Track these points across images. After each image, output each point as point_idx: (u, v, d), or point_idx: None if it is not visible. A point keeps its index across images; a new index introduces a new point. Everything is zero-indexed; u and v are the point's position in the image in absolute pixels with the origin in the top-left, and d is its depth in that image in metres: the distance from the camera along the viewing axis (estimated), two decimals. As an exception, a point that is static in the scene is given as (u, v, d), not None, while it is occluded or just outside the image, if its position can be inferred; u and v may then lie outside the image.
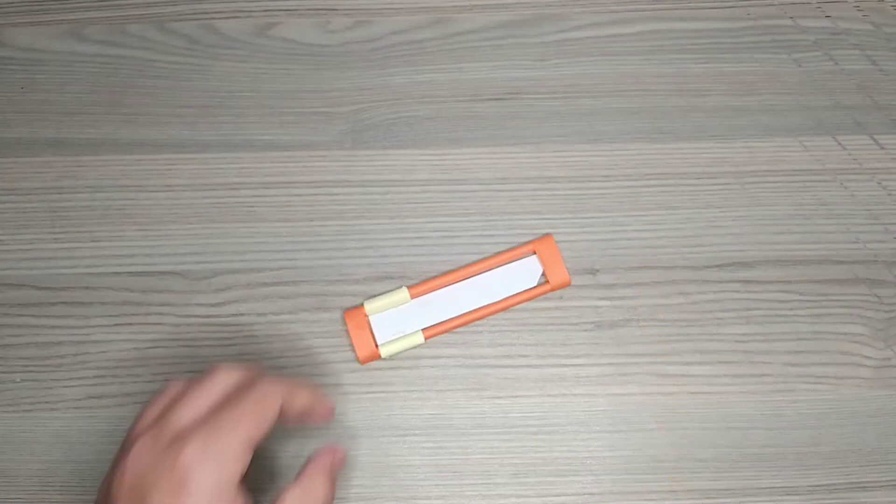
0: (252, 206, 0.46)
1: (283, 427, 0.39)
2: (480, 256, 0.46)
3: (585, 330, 0.45)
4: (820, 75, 0.48)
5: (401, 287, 0.45)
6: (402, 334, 0.44)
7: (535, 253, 0.45)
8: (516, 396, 0.45)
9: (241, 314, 0.45)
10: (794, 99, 0.48)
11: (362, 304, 0.45)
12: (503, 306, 0.45)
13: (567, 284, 0.45)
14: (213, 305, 0.45)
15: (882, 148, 0.47)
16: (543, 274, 0.45)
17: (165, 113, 0.47)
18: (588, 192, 0.47)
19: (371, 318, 0.45)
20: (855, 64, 0.48)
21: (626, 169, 0.47)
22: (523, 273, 0.45)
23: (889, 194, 0.47)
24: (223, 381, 0.36)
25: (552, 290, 0.45)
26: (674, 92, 0.48)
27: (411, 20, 0.48)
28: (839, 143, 0.47)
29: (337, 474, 0.38)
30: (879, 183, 0.47)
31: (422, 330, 0.44)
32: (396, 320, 0.45)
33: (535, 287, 0.45)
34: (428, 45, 0.48)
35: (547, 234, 0.45)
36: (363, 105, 0.48)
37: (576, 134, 0.47)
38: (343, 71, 0.48)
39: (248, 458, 0.35)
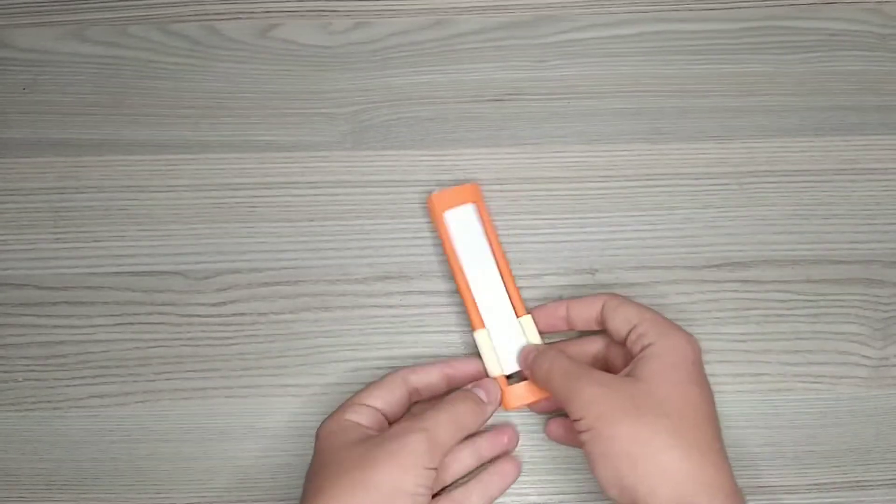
0: (253, 207, 0.47)
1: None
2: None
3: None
4: (818, 76, 0.48)
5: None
6: None
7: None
8: (516, 395, 0.45)
9: (243, 314, 0.46)
10: (793, 100, 0.48)
11: None
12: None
13: (505, 407, 0.43)
14: (214, 305, 0.46)
15: (880, 148, 0.48)
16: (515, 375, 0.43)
17: (167, 114, 0.48)
18: (587, 192, 0.47)
19: None
20: (853, 65, 0.49)
21: (626, 169, 0.47)
22: (514, 349, 0.43)
23: (887, 195, 0.47)
24: None
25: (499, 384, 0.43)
26: (673, 93, 0.48)
27: (412, 22, 0.49)
28: (837, 144, 0.48)
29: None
30: (877, 183, 0.47)
31: None
32: None
33: (495, 361, 0.43)
34: (428, 46, 0.48)
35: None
36: (364, 106, 0.48)
37: (575, 134, 0.48)
38: (344, 72, 0.48)
39: (365, 411, 0.40)
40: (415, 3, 0.49)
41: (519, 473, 0.43)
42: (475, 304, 0.44)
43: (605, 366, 0.42)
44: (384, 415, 0.40)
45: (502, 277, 0.44)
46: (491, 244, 0.45)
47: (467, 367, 0.43)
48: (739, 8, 0.49)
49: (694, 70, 0.48)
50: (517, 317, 0.44)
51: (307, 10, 0.49)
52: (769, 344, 0.45)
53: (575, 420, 0.37)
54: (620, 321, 0.40)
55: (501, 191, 0.47)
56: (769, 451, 0.44)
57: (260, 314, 0.45)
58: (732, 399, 0.45)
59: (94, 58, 0.48)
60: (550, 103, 0.48)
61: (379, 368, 0.45)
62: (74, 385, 0.45)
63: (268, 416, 0.44)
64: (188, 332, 0.45)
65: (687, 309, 0.46)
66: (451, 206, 0.44)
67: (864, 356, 0.46)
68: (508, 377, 0.43)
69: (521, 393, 0.42)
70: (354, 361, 0.45)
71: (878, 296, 0.46)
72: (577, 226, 0.46)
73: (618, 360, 0.41)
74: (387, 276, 0.46)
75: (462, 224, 0.44)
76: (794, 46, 0.49)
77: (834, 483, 0.44)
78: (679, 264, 0.46)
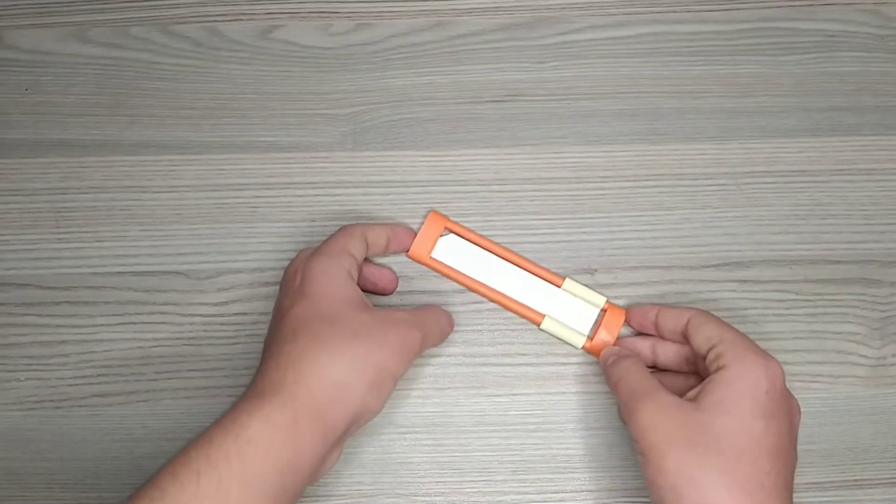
0: (255, 207, 0.47)
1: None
2: (480, 256, 0.46)
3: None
4: (815, 77, 0.49)
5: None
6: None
7: (604, 311, 0.45)
8: (515, 394, 0.45)
9: (244, 313, 0.46)
10: (790, 100, 0.48)
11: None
12: (535, 320, 0.45)
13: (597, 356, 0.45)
14: (216, 305, 0.46)
15: (877, 149, 0.48)
16: (592, 330, 0.45)
17: (169, 114, 0.48)
18: (586, 192, 0.47)
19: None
20: (850, 66, 0.49)
21: (624, 170, 0.47)
22: (578, 313, 0.45)
23: (884, 195, 0.47)
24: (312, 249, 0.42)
25: (587, 349, 0.45)
26: (671, 94, 0.48)
27: (412, 23, 0.49)
28: (835, 145, 0.48)
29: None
30: (875, 184, 0.48)
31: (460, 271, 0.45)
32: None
33: (574, 330, 0.45)
34: (428, 47, 0.49)
35: (623, 308, 0.45)
36: (364, 107, 0.48)
37: (574, 135, 0.48)
38: (344, 73, 0.48)
39: (351, 261, 0.40)
40: (415, 4, 0.49)
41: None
42: (521, 304, 0.45)
43: (694, 370, 0.42)
44: (358, 265, 0.42)
45: (521, 267, 0.45)
46: (488, 248, 0.45)
47: (405, 234, 0.45)
48: (737, 10, 0.49)
49: (692, 71, 0.49)
50: (559, 287, 0.45)
51: (308, 12, 0.49)
52: (767, 343, 0.45)
53: (632, 439, 0.38)
54: (702, 339, 0.40)
55: (501, 191, 0.47)
56: (767, 449, 0.45)
57: (261, 314, 0.46)
58: (730, 398, 0.45)
59: (96, 59, 0.49)
60: (549, 104, 0.48)
61: (379, 368, 0.45)
62: (76, 384, 0.45)
63: (269, 415, 0.44)
64: (190, 331, 0.46)
65: (685, 308, 0.46)
66: (431, 247, 0.45)
67: (861, 356, 0.46)
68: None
69: (606, 338, 0.44)
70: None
71: (875, 295, 0.46)
72: (575, 226, 0.47)
73: (703, 370, 0.41)
74: (387, 275, 0.46)
75: (452, 253, 0.45)
76: (791, 47, 0.49)
77: (832, 482, 0.45)
78: (677, 264, 0.46)
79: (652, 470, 0.36)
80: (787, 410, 0.38)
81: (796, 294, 0.46)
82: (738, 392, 0.37)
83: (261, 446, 0.34)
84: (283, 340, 0.37)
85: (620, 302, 0.46)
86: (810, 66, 0.49)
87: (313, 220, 0.47)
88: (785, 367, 0.45)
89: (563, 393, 0.45)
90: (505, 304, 0.45)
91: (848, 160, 0.48)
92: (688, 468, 0.36)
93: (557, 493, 0.45)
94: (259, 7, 0.49)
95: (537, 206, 0.47)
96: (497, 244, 0.46)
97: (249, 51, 0.49)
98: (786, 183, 0.47)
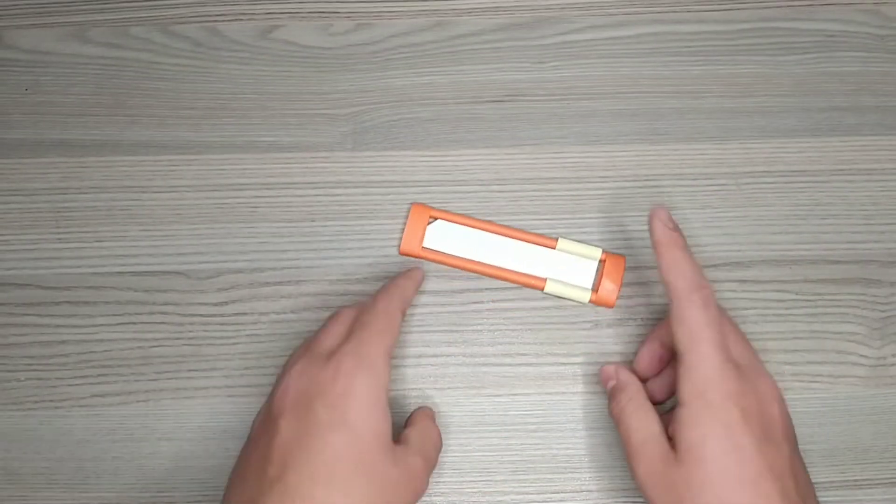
0: (255, 207, 0.47)
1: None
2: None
3: (584, 329, 0.46)
4: (815, 77, 0.49)
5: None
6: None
7: (603, 262, 0.45)
8: (515, 394, 0.45)
9: (244, 313, 0.46)
10: (790, 100, 0.48)
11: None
12: (533, 284, 0.45)
13: (609, 306, 0.45)
14: (216, 305, 0.46)
15: (877, 149, 0.48)
16: (595, 284, 0.45)
17: (169, 115, 0.48)
18: (586, 192, 0.47)
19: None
20: (850, 66, 0.49)
21: (624, 170, 0.47)
22: (578, 270, 0.45)
23: (884, 195, 0.47)
24: (348, 313, 0.41)
25: (594, 302, 0.45)
26: (671, 94, 0.48)
27: (412, 23, 0.49)
28: (835, 145, 0.48)
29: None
30: (875, 184, 0.48)
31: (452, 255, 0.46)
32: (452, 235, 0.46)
33: (578, 287, 0.45)
34: (428, 47, 0.49)
35: (623, 256, 0.46)
36: (364, 107, 0.48)
37: (574, 135, 0.48)
38: (344, 73, 0.48)
39: (389, 367, 0.39)
40: (415, 4, 0.49)
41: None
42: (521, 273, 0.45)
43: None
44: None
45: (513, 237, 0.46)
46: (475, 226, 0.46)
47: (420, 274, 0.45)
48: (737, 9, 0.49)
49: (692, 71, 0.49)
50: (554, 248, 0.46)
51: (308, 12, 0.49)
52: (767, 343, 0.46)
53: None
54: (676, 343, 0.39)
55: (501, 191, 0.47)
56: (767, 449, 0.45)
57: (261, 314, 0.46)
58: (730, 398, 0.45)
59: (96, 59, 0.49)
60: (549, 104, 0.48)
61: (379, 368, 0.45)
62: (76, 384, 0.45)
63: (269, 415, 0.45)
64: (190, 331, 0.46)
65: (685, 308, 0.46)
66: (420, 239, 0.45)
67: (861, 356, 0.46)
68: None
69: (611, 287, 0.45)
70: (355, 361, 0.45)
71: (875, 295, 0.46)
72: (575, 226, 0.47)
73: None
74: (387, 275, 0.46)
75: (442, 239, 0.46)
76: (791, 47, 0.49)
77: (832, 482, 0.45)
78: (677, 264, 0.46)
79: None
80: (766, 424, 0.37)
81: (796, 294, 0.46)
82: (704, 436, 0.36)
83: None
84: (316, 476, 0.35)
85: (621, 301, 0.46)
86: (810, 66, 0.49)
87: (313, 220, 0.47)
88: (785, 368, 0.45)
89: (563, 393, 0.45)
90: (505, 277, 0.45)
91: (848, 160, 0.48)
92: None
93: (557, 493, 0.45)
94: (259, 7, 0.49)
95: (537, 206, 0.47)
96: (484, 220, 0.46)
97: (249, 51, 0.49)
98: (786, 183, 0.47)
